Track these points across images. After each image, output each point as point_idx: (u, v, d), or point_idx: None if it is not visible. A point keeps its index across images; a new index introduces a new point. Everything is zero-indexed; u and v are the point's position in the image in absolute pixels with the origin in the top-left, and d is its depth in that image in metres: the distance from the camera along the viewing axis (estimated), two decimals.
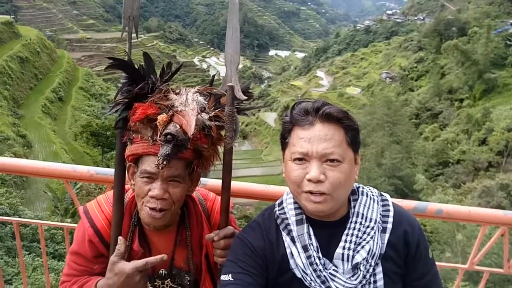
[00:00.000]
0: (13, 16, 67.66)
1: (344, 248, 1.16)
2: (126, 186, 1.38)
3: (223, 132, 1.30)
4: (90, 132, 34.51)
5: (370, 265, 1.17)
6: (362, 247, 1.16)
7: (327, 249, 1.19)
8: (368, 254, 1.16)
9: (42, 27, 79.47)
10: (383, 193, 1.29)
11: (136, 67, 1.28)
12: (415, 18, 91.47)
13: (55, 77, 49.13)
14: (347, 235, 1.18)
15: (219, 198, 1.42)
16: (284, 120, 1.23)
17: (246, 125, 61.91)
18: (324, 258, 1.18)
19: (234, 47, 1.29)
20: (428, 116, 42.22)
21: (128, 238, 1.34)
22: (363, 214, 1.20)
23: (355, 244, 1.17)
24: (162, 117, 1.20)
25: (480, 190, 23.44)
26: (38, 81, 46.88)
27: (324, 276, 1.16)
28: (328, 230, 1.20)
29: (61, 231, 13.41)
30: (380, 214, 1.22)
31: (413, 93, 49.25)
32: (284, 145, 1.22)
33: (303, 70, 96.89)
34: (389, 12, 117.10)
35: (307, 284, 1.18)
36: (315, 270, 1.17)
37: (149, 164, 1.24)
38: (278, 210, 1.28)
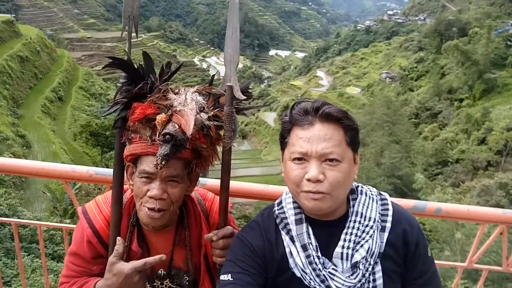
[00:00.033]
0: (14, 15, 67.71)
1: (343, 247, 1.17)
2: (125, 186, 1.37)
3: (222, 132, 1.30)
4: (89, 132, 34.49)
5: (370, 264, 1.17)
6: (361, 246, 1.16)
7: (326, 248, 1.19)
8: (367, 253, 1.16)
9: (43, 26, 79.50)
10: (382, 192, 1.30)
11: (136, 67, 1.27)
12: (416, 18, 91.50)
13: (55, 76, 49.09)
14: (346, 234, 1.18)
15: (218, 198, 1.42)
16: (283, 120, 1.23)
17: (246, 125, 61.93)
18: (323, 257, 1.18)
19: (233, 47, 1.28)
20: (427, 116, 42.27)
21: (127, 239, 1.34)
22: (362, 213, 1.20)
23: (354, 243, 1.17)
24: (161, 117, 1.20)
25: (479, 189, 23.48)
26: (38, 80, 46.84)
27: (324, 275, 1.16)
28: (327, 229, 1.20)
29: (60, 232, 13.39)
30: (379, 213, 1.22)
31: (413, 93, 49.29)
32: (283, 144, 1.22)
33: (303, 70, 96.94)
34: (390, 12, 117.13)
35: (307, 283, 1.18)
36: (314, 269, 1.17)
37: (147, 164, 1.24)
38: (277, 209, 1.28)
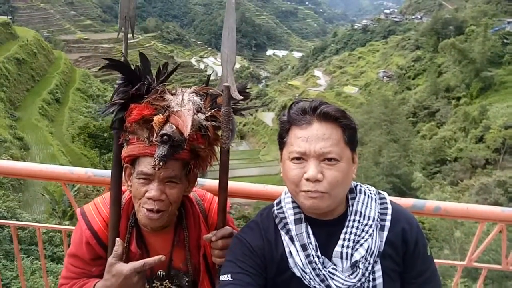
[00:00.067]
0: (10, 17, 67.58)
1: (342, 246, 1.17)
2: (123, 188, 1.37)
3: (220, 132, 1.30)
4: (87, 133, 34.44)
5: (369, 263, 1.17)
6: (361, 245, 1.16)
7: (326, 248, 1.19)
8: (366, 252, 1.16)
9: (40, 28, 79.27)
10: (381, 191, 1.30)
11: (132, 68, 1.27)
12: (413, 17, 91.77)
13: (52, 78, 48.90)
14: (345, 233, 1.18)
15: (216, 198, 1.42)
16: (281, 119, 1.23)
17: (244, 125, 61.92)
18: (323, 257, 1.18)
19: (230, 47, 1.28)
20: (425, 115, 42.39)
21: (126, 240, 1.34)
22: (361, 213, 1.20)
23: (353, 242, 1.17)
24: (158, 118, 1.20)
25: (477, 187, 23.54)
26: (35, 82, 46.67)
27: (323, 274, 1.16)
28: (327, 229, 1.20)
29: (59, 234, 13.38)
30: (378, 212, 1.22)
31: (410, 92, 49.44)
32: (281, 144, 1.22)
33: (300, 69, 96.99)
34: (386, 11, 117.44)
35: (306, 283, 1.18)
36: (314, 269, 1.17)
37: (145, 165, 1.23)
38: (277, 209, 1.28)
